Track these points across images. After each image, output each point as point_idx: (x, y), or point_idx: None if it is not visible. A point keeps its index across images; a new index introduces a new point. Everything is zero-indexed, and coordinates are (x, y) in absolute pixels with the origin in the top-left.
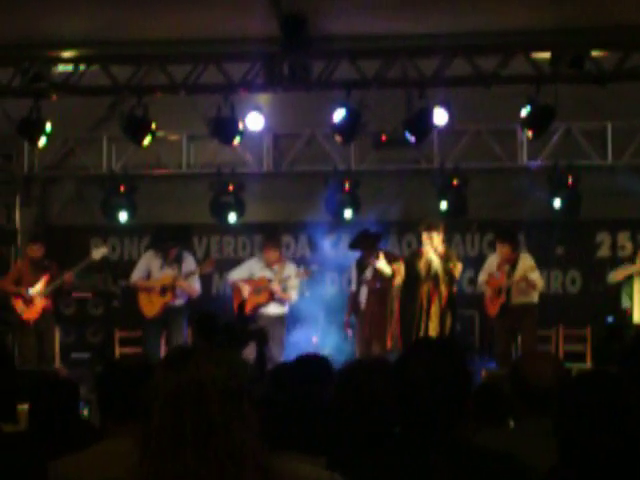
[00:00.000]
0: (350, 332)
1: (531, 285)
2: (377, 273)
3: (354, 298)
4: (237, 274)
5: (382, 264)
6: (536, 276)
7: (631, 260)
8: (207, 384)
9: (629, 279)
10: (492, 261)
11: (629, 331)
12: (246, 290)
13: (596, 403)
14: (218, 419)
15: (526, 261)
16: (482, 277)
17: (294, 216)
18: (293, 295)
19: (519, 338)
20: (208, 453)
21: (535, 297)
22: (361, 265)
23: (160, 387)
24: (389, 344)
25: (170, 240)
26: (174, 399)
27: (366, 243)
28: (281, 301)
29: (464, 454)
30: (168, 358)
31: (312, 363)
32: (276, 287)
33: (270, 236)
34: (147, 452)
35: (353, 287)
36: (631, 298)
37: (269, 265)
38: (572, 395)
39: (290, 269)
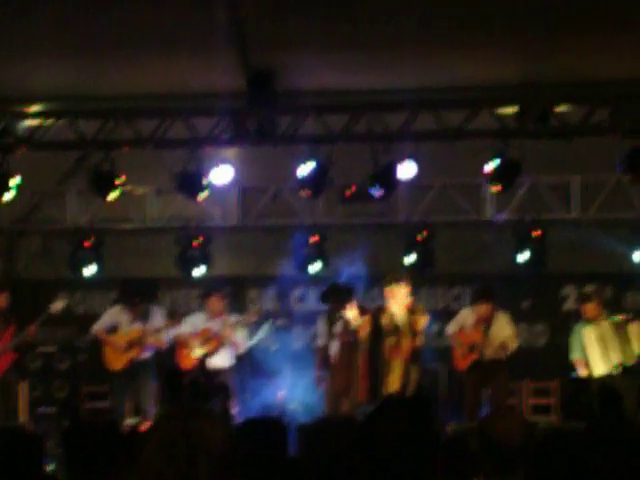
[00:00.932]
0: (322, 387)
1: (506, 349)
2: (348, 326)
3: (323, 352)
4: (178, 330)
5: (351, 315)
6: (511, 339)
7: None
8: (199, 446)
9: (576, 329)
10: (466, 315)
11: (591, 385)
12: (192, 343)
13: (564, 464)
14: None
15: (503, 321)
16: (452, 328)
17: (261, 270)
18: (242, 343)
19: (489, 392)
20: None
21: (504, 353)
22: (330, 318)
23: (154, 441)
24: (358, 399)
25: (137, 296)
26: (163, 455)
27: (336, 297)
28: (229, 352)
29: None
30: (165, 415)
31: (261, 426)
32: (228, 332)
33: (214, 287)
34: None
35: (320, 341)
36: (582, 349)
37: (213, 317)
38: (541, 456)
39: (234, 318)
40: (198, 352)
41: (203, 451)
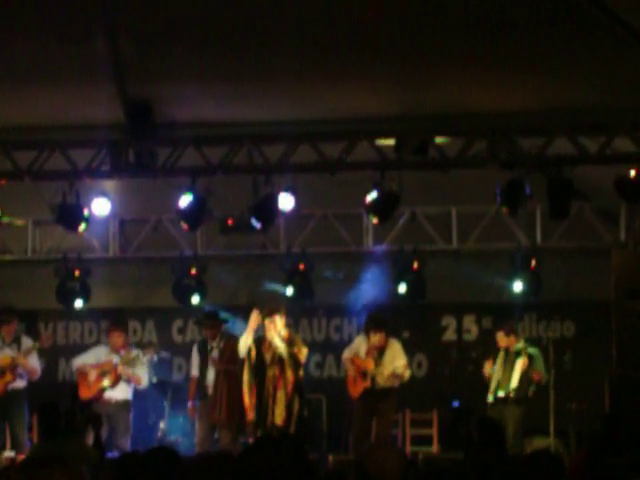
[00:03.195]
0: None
1: (400, 378)
2: (226, 354)
3: (198, 383)
4: (82, 360)
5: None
6: (402, 369)
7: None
8: None
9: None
10: (360, 342)
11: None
12: (93, 374)
13: None
14: None
15: (395, 349)
16: (347, 354)
17: (141, 301)
18: (143, 379)
19: (374, 423)
20: None
21: (395, 382)
22: (204, 347)
23: None
24: (243, 430)
25: (7, 313)
26: None
27: (210, 323)
28: (127, 385)
29: None
30: (21, 467)
31: (162, 456)
32: (123, 370)
33: (116, 320)
34: None
35: (194, 372)
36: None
37: (115, 350)
38: None
39: (135, 352)
40: (105, 383)
41: None
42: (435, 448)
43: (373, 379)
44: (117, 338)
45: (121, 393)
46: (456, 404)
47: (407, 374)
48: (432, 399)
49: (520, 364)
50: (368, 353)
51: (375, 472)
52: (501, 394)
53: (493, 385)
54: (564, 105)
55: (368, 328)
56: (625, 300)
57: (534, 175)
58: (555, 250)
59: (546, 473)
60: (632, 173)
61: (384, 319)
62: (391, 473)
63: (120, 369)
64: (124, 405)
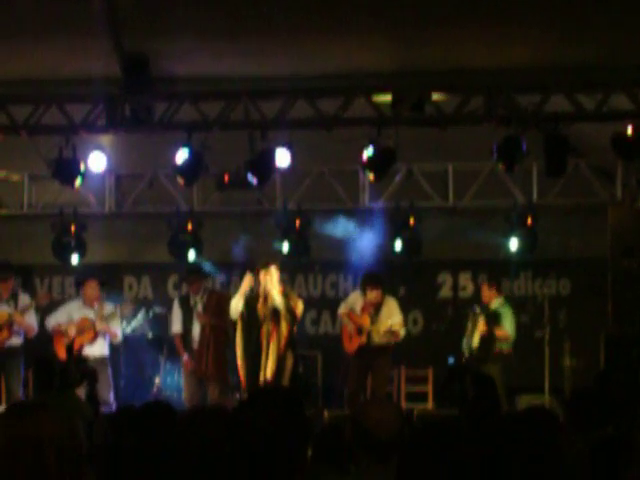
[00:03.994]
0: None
1: (395, 336)
2: (210, 308)
3: (182, 338)
4: (54, 318)
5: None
6: (398, 326)
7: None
8: (45, 442)
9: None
10: (355, 298)
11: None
12: (72, 330)
13: (437, 456)
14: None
15: (391, 306)
16: (343, 309)
17: (137, 257)
18: (118, 332)
19: (370, 379)
20: None
21: (391, 339)
22: (187, 302)
23: None
24: (232, 384)
25: (6, 270)
26: (10, 455)
27: (193, 278)
28: (104, 340)
29: None
30: (7, 413)
31: (157, 411)
32: (100, 326)
33: (90, 273)
34: None
35: (175, 327)
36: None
37: (89, 303)
38: (414, 447)
39: (110, 307)
40: (77, 342)
41: (48, 448)
42: (430, 405)
43: (369, 336)
44: (92, 290)
45: (98, 349)
46: (451, 361)
47: (402, 332)
48: (427, 356)
49: (480, 324)
50: (364, 310)
51: (371, 427)
52: (467, 354)
53: (464, 346)
54: (561, 62)
55: (364, 285)
56: (621, 257)
57: (531, 132)
58: (551, 207)
59: (541, 428)
60: (629, 130)
61: (380, 276)
62: (387, 428)
63: (98, 325)
64: (102, 361)
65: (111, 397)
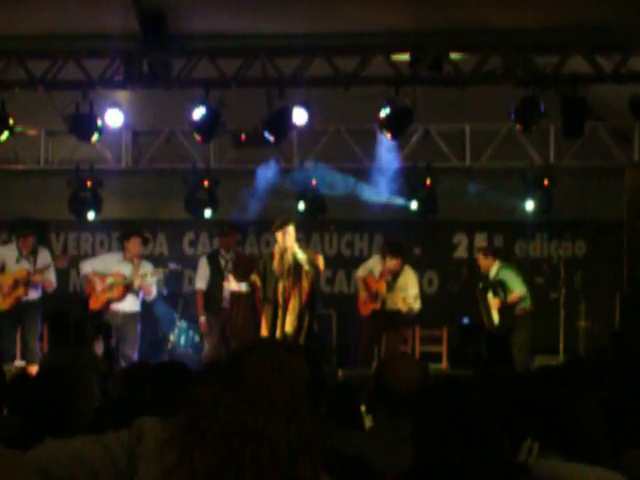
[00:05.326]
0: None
1: (406, 306)
2: (241, 269)
3: (207, 296)
4: (91, 265)
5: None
6: (412, 299)
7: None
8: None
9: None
10: (375, 262)
11: (479, 332)
12: (99, 285)
13: (450, 410)
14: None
15: (409, 277)
16: (361, 272)
17: (153, 214)
18: (153, 290)
19: (383, 339)
20: None
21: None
22: (215, 260)
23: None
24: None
25: (28, 227)
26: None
27: (229, 232)
28: (136, 296)
29: None
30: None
31: (172, 369)
32: (137, 282)
33: (135, 229)
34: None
35: (200, 284)
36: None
37: (129, 259)
38: (429, 401)
39: (147, 267)
40: (104, 297)
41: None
42: (444, 365)
43: (383, 302)
44: (135, 245)
45: (129, 305)
46: (466, 321)
47: (417, 306)
48: (442, 316)
49: (491, 299)
50: (382, 276)
51: (395, 382)
52: (491, 328)
53: (485, 318)
54: (580, 23)
55: (385, 252)
56: (637, 220)
57: (548, 93)
58: (568, 169)
59: (556, 388)
60: None
61: (402, 245)
62: (409, 383)
63: (136, 282)
64: (132, 316)
65: (135, 354)
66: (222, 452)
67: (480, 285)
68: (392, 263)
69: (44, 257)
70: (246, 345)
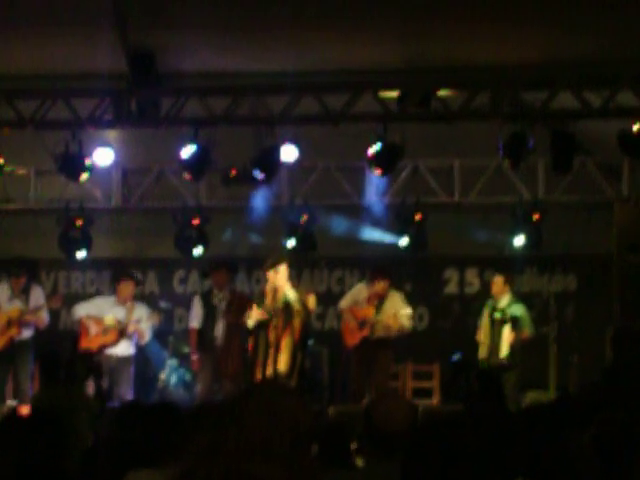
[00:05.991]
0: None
1: (398, 323)
2: (234, 307)
3: (200, 334)
4: (85, 309)
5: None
6: (405, 318)
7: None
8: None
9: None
10: (360, 290)
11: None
12: (93, 329)
13: (440, 452)
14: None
15: (396, 299)
16: (345, 302)
17: (143, 252)
18: (147, 334)
19: (374, 369)
20: None
21: (393, 334)
22: (209, 298)
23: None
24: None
25: (20, 267)
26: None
27: (220, 271)
28: (130, 341)
29: None
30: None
31: (164, 410)
32: (132, 327)
33: (124, 270)
34: None
35: (194, 323)
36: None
37: (121, 302)
38: (417, 443)
39: (142, 311)
40: (98, 341)
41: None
42: (436, 400)
43: (372, 327)
44: (127, 288)
45: (123, 349)
46: (455, 357)
47: (408, 324)
48: (433, 352)
49: (507, 332)
50: (369, 301)
51: (382, 421)
52: (494, 362)
53: (484, 352)
54: (568, 58)
55: (374, 276)
56: (627, 253)
57: (537, 128)
58: (557, 204)
59: (546, 426)
60: (635, 127)
61: (389, 269)
62: (398, 423)
63: (130, 328)
64: (126, 360)
65: (130, 394)
66: None
67: (497, 315)
68: (380, 286)
69: (37, 295)
70: (244, 389)
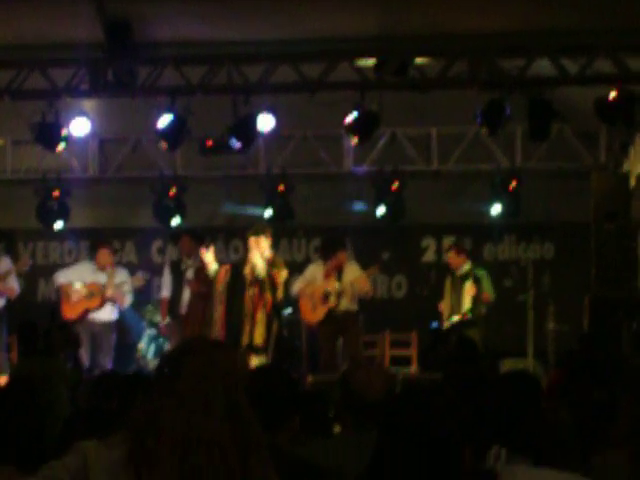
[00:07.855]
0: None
1: (362, 286)
2: (201, 276)
3: (168, 303)
4: (65, 276)
5: (209, 258)
6: (364, 280)
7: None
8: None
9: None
10: (313, 270)
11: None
12: (77, 295)
13: (420, 413)
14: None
15: (353, 268)
16: (298, 285)
17: (121, 222)
18: (127, 299)
19: (342, 342)
20: None
21: (356, 305)
22: (177, 268)
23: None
24: None
25: None
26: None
27: (183, 240)
28: (113, 306)
29: (283, 465)
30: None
31: (142, 381)
32: (110, 293)
33: (103, 238)
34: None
35: (164, 292)
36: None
37: (101, 268)
38: (396, 410)
39: (123, 275)
40: (83, 306)
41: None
42: (414, 369)
43: (337, 299)
44: (106, 256)
45: (106, 314)
46: (434, 325)
47: (367, 288)
48: (411, 320)
49: (468, 286)
50: (327, 275)
51: (359, 389)
52: (455, 318)
53: (447, 312)
54: (545, 26)
55: (335, 248)
56: (604, 221)
57: (514, 96)
58: (535, 172)
59: (523, 392)
60: (612, 94)
61: (343, 239)
62: (375, 391)
63: (109, 292)
64: (109, 325)
65: (110, 363)
66: (175, 464)
67: (458, 274)
68: (342, 256)
69: (4, 264)
70: (181, 347)
